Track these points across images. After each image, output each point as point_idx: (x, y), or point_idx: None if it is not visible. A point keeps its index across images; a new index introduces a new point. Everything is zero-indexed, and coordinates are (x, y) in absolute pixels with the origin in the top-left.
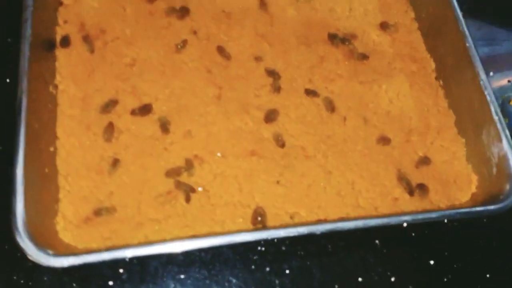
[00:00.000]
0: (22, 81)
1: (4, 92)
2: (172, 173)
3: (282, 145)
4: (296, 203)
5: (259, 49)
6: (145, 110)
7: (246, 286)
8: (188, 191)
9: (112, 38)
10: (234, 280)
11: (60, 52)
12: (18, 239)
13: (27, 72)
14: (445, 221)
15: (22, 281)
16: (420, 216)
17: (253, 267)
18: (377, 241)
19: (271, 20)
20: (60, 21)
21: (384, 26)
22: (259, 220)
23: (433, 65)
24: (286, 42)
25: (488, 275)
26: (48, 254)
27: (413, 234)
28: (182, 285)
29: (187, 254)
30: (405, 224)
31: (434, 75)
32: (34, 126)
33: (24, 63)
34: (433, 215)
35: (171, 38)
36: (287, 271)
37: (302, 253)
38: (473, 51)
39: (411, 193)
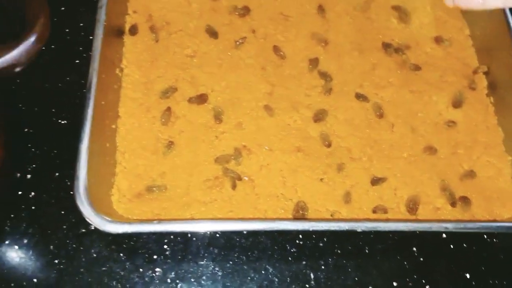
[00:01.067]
0: (94, 61)
1: (74, 72)
2: (221, 160)
3: (328, 145)
4: (337, 202)
5: (313, 51)
6: (201, 99)
7: (281, 276)
8: (235, 179)
9: (176, 30)
10: (270, 269)
11: (128, 39)
12: (78, 203)
13: (99, 53)
14: (485, 236)
15: (73, 245)
16: (461, 225)
17: (290, 258)
18: (414, 248)
19: (328, 25)
20: (130, 10)
21: (438, 40)
22: (300, 213)
23: (485, 82)
24: (340, 47)
25: None
26: (105, 219)
27: (452, 246)
28: (220, 267)
29: (228, 238)
30: (444, 235)
31: (485, 91)
32: (101, 103)
33: (97, 45)
34: (475, 225)
35: (231, 34)
36: (323, 267)
37: (339, 251)
38: None
39: (453, 204)
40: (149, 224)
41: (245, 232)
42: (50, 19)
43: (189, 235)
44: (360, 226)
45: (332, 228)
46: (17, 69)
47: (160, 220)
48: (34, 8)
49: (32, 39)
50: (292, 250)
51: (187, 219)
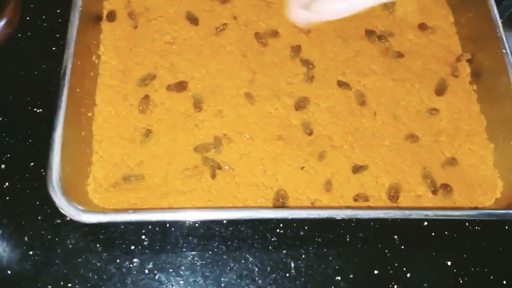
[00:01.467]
0: (69, 48)
1: (50, 60)
2: (201, 149)
3: (310, 133)
4: (318, 190)
5: (296, 39)
6: (180, 86)
7: (262, 265)
8: (214, 168)
9: (156, 16)
10: (250, 258)
11: (105, 25)
12: (51, 192)
13: (74, 40)
14: (466, 224)
15: (49, 236)
16: (442, 213)
17: (270, 247)
18: (396, 237)
19: None
20: None
21: (422, 27)
22: (280, 202)
23: (468, 70)
24: (323, 34)
25: (504, 282)
26: (78, 209)
27: (433, 234)
28: (200, 257)
29: (208, 228)
30: (425, 223)
31: (468, 79)
32: (76, 90)
33: (72, 31)
34: (456, 213)
35: (211, 21)
36: (304, 256)
37: (320, 240)
38: (509, 58)
39: (434, 192)
40: (125, 214)
41: (224, 222)
42: (22, 4)
43: (168, 225)
44: (339, 214)
45: (311, 216)
46: None
47: (135, 210)
48: None
49: (1, 23)
50: (272, 239)
51: (164, 209)
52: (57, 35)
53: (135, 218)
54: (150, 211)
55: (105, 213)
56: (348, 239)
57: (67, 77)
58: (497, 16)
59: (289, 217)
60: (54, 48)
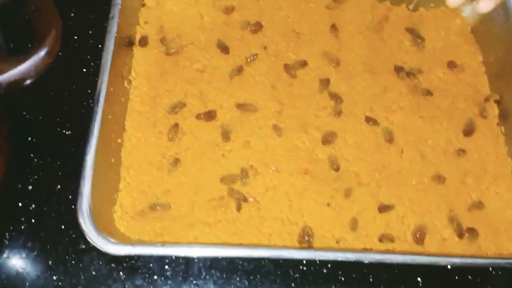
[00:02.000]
0: (104, 74)
1: (80, 81)
2: (227, 180)
3: (337, 169)
4: (343, 228)
5: (325, 71)
6: (209, 116)
7: None
8: (240, 200)
9: (187, 43)
10: None
11: (137, 50)
12: (81, 221)
13: (109, 66)
14: (490, 268)
15: (73, 262)
16: (468, 261)
17: (293, 284)
18: (419, 279)
19: (340, 44)
20: (141, 21)
21: (451, 65)
22: (306, 240)
23: (496, 110)
24: (352, 67)
25: None
26: (107, 240)
27: (457, 278)
28: None
29: (231, 261)
30: (449, 266)
31: (496, 120)
32: (108, 117)
33: (107, 57)
34: (482, 261)
35: (242, 50)
36: None
37: (343, 278)
38: None
39: (460, 235)
40: (152, 247)
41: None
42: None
43: None
44: (367, 258)
45: (339, 259)
46: (26, 83)
47: (163, 243)
48: (46, 20)
49: (42, 53)
50: (295, 276)
51: (190, 243)
52: (88, 57)
53: (163, 252)
54: (177, 245)
55: (133, 245)
56: (371, 279)
57: (101, 104)
58: None
59: (317, 258)
60: (85, 70)
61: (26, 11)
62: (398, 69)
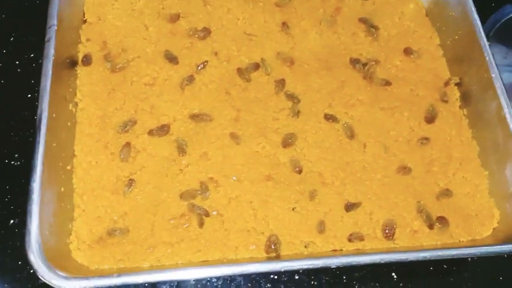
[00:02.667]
0: (43, 101)
1: (25, 108)
2: (187, 195)
3: (299, 171)
4: (311, 232)
5: (279, 72)
6: (162, 130)
7: None
8: (202, 215)
9: (133, 57)
10: None
11: (81, 70)
12: (31, 258)
13: (49, 91)
14: None
15: None
16: (439, 253)
17: None
18: (393, 274)
19: (293, 42)
20: (83, 39)
21: (408, 51)
22: (272, 249)
23: (457, 94)
24: (307, 65)
25: None
26: (60, 276)
27: (431, 268)
28: None
29: (199, 279)
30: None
31: (458, 103)
32: (52, 145)
33: (46, 83)
34: (454, 252)
35: (192, 58)
36: None
37: (315, 283)
38: (498, 82)
39: (431, 226)
40: (109, 278)
41: None
42: None
43: None
44: (334, 262)
45: (306, 267)
46: None
47: (120, 273)
48: None
49: None
50: (267, 286)
51: (151, 268)
52: (32, 81)
53: (121, 282)
54: (136, 273)
55: (88, 278)
56: (344, 280)
57: (43, 133)
58: (484, 38)
59: (282, 269)
60: (29, 96)
61: None
62: (354, 62)
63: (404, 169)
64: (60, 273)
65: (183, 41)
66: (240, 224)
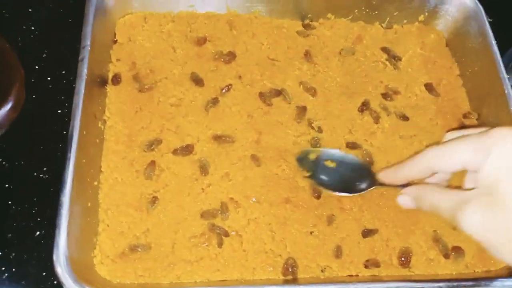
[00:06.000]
0: (75, 118)
1: (55, 123)
2: (208, 215)
3: (318, 197)
4: (328, 257)
5: (301, 97)
6: (186, 150)
7: None
8: (221, 235)
9: (161, 78)
10: None
11: (111, 89)
12: (58, 271)
13: (80, 110)
14: None
15: None
16: (455, 284)
17: None
18: None
19: (315, 69)
20: (113, 58)
21: (429, 87)
22: (290, 271)
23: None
24: (328, 91)
25: None
26: None
27: None
28: None
29: None
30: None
31: None
32: (82, 161)
33: (78, 101)
34: (470, 284)
35: (216, 81)
36: None
37: None
38: None
39: (446, 256)
40: None
41: None
42: (26, 70)
43: None
44: None
45: None
46: None
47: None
48: (8, 72)
49: (6, 108)
50: None
51: (172, 286)
52: (62, 97)
53: None
54: None
55: None
56: None
57: (73, 150)
58: (504, 71)
59: None
60: (59, 111)
61: None
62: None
63: None
64: (85, 286)
65: (209, 64)
66: (258, 246)
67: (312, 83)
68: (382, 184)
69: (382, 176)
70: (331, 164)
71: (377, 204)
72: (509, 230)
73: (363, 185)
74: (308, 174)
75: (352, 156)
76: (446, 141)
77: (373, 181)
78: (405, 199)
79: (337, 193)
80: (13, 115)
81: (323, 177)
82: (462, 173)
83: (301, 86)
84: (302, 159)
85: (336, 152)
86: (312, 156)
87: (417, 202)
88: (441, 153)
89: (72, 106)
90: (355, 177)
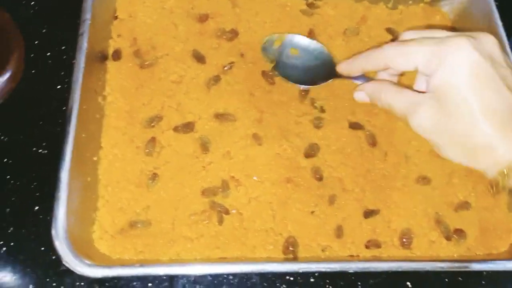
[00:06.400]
0: (75, 92)
1: (55, 98)
2: (209, 192)
3: (319, 179)
4: (329, 236)
5: None
6: (187, 127)
7: None
8: (222, 212)
9: (162, 54)
10: None
11: (111, 65)
12: (57, 245)
13: (80, 84)
14: None
15: (54, 284)
16: (456, 265)
17: None
18: (408, 283)
19: None
20: (114, 34)
21: None
22: (290, 250)
23: None
24: None
25: None
26: (84, 263)
27: (447, 280)
28: None
29: (216, 275)
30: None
31: None
32: (81, 135)
33: (78, 75)
34: (470, 265)
35: (218, 59)
36: None
37: (330, 287)
38: None
39: (448, 238)
40: (131, 268)
41: None
42: (25, 42)
43: None
44: (351, 267)
45: (323, 270)
46: None
47: (142, 264)
48: (8, 42)
49: (5, 77)
50: (282, 287)
51: (171, 262)
52: (62, 73)
53: (142, 272)
54: (156, 265)
55: (110, 267)
56: (359, 287)
57: (73, 124)
58: (510, 54)
59: (300, 271)
60: (59, 87)
61: None
62: None
63: (424, 179)
64: (84, 260)
65: (211, 41)
66: (259, 224)
67: None
68: (340, 76)
69: (339, 68)
70: (295, 52)
71: (379, 185)
72: (453, 133)
73: (324, 77)
74: (272, 65)
75: (316, 43)
76: (405, 41)
77: (333, 73)
78: (361, 95)
79: (300, 86)
80: (12, 85)
81: (287, 67)
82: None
83: None
84: (266, 49)
85: (300, 38)
86: (277, 44)
87: (372, 99)
88: (398, 53)
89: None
90: (316, 68)
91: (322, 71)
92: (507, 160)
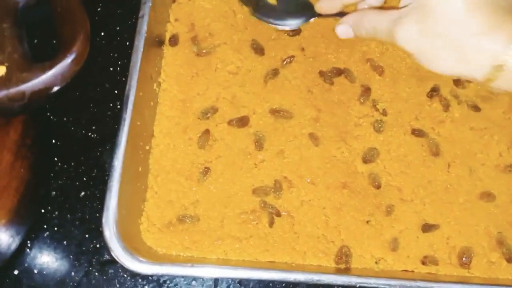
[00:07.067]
0: (133, 78)
1: (107, 81)
2: (260, 191)
3: (377, 187)
4: (383, 248)
5: (367, 75)
6: (242, 122)
7: None
8: (273, 214)
9: (220, 43)
10: None
11: (167, 50)
12: (107, 237)
13: (138, 69)
14: None
15: (96, 274)
16: None
17: None
18: None
19: (383, 47)
20: (172, 18)
21: None
22: (343, 260)
23: None
24: (396, 72)
25: None
26: (134, 258)
27: None
28: None
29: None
30: None
31: None
32: (136, 123)
33: (137, 60)
34: None
35: (278, 52)
36: None
37: None
38: None
39: (509, 260)
40: (182, 267)
41: None
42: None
43: None
44: (411, 286)
45: (381, 286)
46: (51, 92)
47: (193, 264)
48: (73, 22)
49: (69, 59)
50: None
51: (219, 262)
52: (115, 55)
53: (191, 273)
54: (206, 265)
55: (161, 264)
56: None
57: (129, 110)
58: None
59: (357, 285)
60: (111, 69)
61: (52, 12)
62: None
63: (488, 196)
64: (135, 256)
65: (270, 32)
66: (310, 229)
67: (380, 61)
68: (320, 15)
69: (318, 6)
70: (272, 1)
71: (440, 198)
72: (439, 36)
73: (303, 18)
74: (250, 11)
75: None
76: None
77: (312, 13)
78: (343, 28)
79: (278, 27)
80: (76, 68)
81: (265, 10)
82: None
83: (368, 63)
84: None
85: None
86: None
87: (355, 30)
88: None
89: (128, 65)
90: (295, 10)
91: (302, 14)
92: (498, 52)
